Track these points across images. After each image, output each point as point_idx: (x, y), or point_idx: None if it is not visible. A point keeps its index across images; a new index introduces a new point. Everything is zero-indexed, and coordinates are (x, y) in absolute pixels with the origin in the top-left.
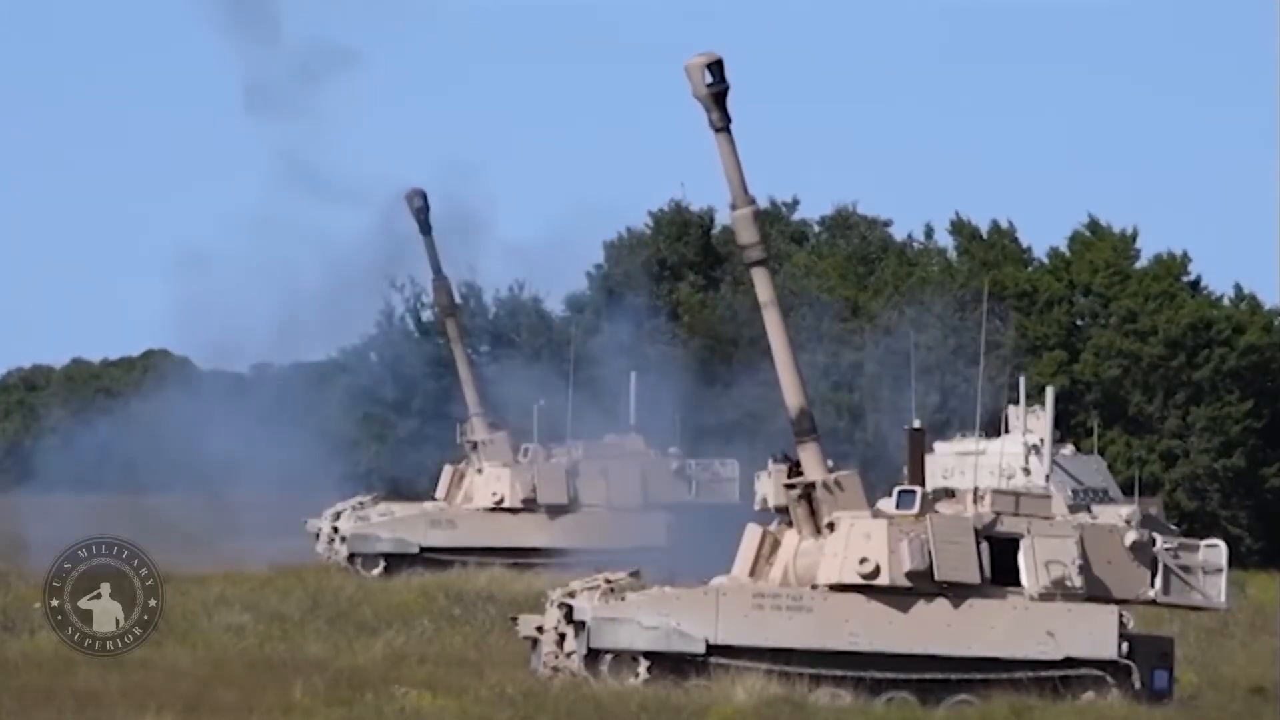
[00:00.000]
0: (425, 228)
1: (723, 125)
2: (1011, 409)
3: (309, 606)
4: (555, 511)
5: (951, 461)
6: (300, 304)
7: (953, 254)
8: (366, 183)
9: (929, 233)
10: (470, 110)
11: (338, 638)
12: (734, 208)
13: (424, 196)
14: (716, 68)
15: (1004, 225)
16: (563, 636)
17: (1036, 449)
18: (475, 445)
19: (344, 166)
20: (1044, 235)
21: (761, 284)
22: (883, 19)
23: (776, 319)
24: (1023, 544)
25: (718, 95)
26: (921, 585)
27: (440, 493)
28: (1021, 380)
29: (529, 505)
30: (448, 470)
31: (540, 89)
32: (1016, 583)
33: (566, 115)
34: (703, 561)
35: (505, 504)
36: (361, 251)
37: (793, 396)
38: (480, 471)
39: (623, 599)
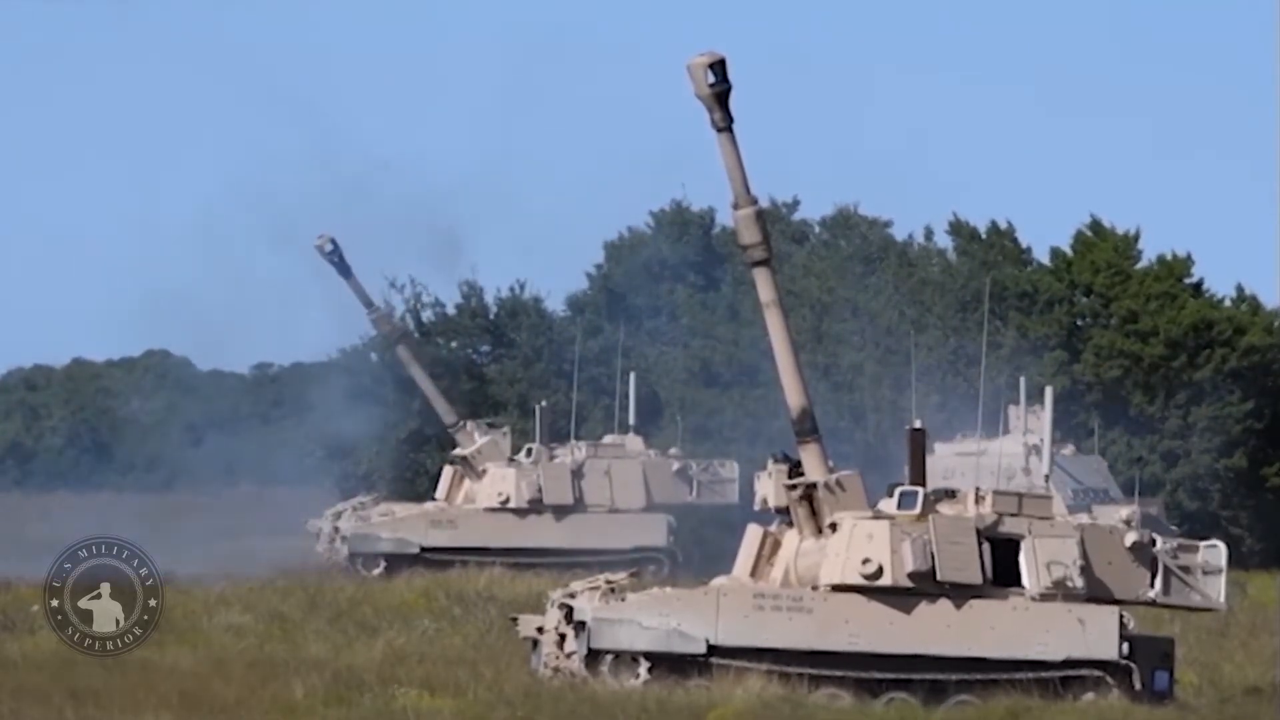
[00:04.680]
0: (344, 270)
1: (725, 125)
2: (1011, 409)
3: (309, 606)
4: (561, 512)
5: (952, 462)
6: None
7: (952, 255)
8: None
9: (929, 233)
10: (469, 108)
11: (338, 638)
12: (736, 207)
13: (334, 241)
14: (719, 67)
15: (1002, 226)
16: (563, 637)
17: (1037, 449)
18: (465, 459)
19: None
20: (1043, 236)
21: (763, 284)
22: (883, 19)
23: (779, 320)
24: (1024, 545)
25: (720, 95)
26: (923, 586)
27: (440, 493)
28: (1022, 380)
29: (534, 506)
30: (448, 471)
31: (540, 88)
32: (1018, 583)
33: (567, 114)
34: (703, 562)
35: (511, 504)
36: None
37: (794, 397)
38: (485, 472)
39: (623, 599)
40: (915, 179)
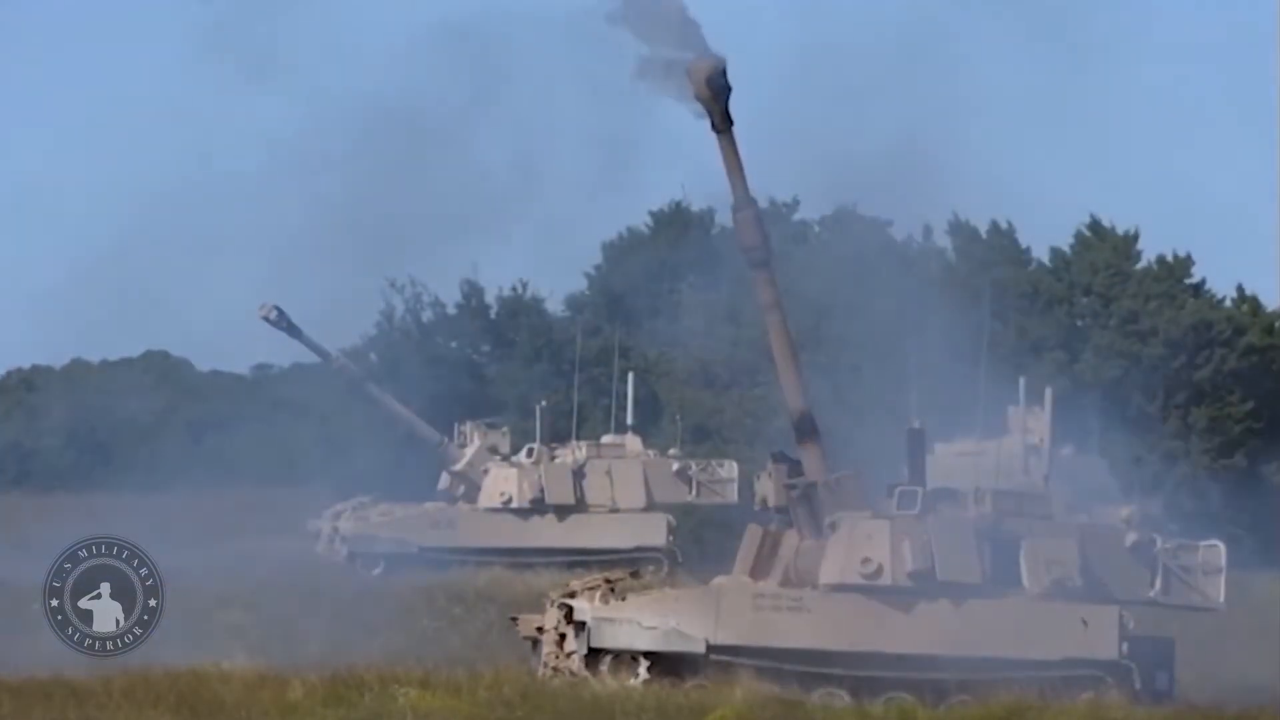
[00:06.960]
0: (293, 332)
1: (724, 128)
2: (1011, 409)
3: (309, 606)
4: (562, 512)
5: (951, 462)
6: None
7: (952, 254)
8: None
9: (928, 233)
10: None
11: (338, 638)
12: (736, 210)
13: (278, 309)
14: (719, 71)
15: (1002, 225)
16: (563, 637)
17: (1036, 449)
18: (459, 473)
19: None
20: (1044, 236)
21: (763, 287)
22: (882, 19)
23: (779, 323)
24: (1023, 544)
25: (720, 98)
26: (923, 586)
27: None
28: (1021, 381)
29: (536, 506)
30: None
31: (538, 87)
32: (1017, 583)
33: (567, 113)
34: (703, 562)
35: (513, 504)
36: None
37: (794, 399)
38: (486, 472)
39: (623, 599)
40: (914, 178)
